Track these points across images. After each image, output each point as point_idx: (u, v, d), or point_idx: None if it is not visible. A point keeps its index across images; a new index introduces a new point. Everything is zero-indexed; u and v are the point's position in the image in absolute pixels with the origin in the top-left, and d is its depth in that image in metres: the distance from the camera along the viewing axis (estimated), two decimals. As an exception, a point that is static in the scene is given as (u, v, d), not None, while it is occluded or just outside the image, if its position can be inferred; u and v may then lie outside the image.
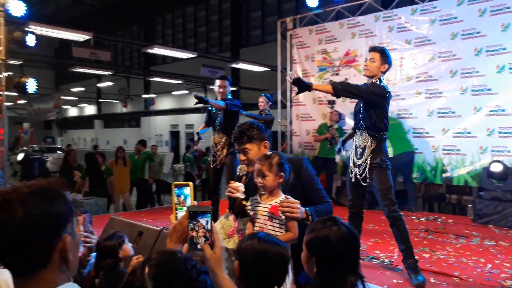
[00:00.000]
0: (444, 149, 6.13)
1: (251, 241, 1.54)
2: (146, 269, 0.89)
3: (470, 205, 5.78)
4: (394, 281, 3.38)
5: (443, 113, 6.17)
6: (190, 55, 12.20)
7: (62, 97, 20.38)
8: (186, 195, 1.48)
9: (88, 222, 2.25)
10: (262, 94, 7.25)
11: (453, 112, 6.06)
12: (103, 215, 5.86)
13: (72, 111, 31.31)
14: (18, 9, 5.32)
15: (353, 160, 3.65)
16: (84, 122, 30.21)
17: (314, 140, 7.55)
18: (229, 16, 18.38)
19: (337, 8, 7.70)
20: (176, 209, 1.47)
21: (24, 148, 18.75)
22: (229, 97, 5.23)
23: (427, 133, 6.31)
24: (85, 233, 2.24)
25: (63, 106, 22.37)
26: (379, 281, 3.38)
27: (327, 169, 7.42)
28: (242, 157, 2.47)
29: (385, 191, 3.49)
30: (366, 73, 3.63)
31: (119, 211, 7.74)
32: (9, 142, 25.34)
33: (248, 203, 2.41)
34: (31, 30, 6.34)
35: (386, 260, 3.90)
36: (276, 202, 2.24)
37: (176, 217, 1.44)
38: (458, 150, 5.97)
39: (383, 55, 3.59)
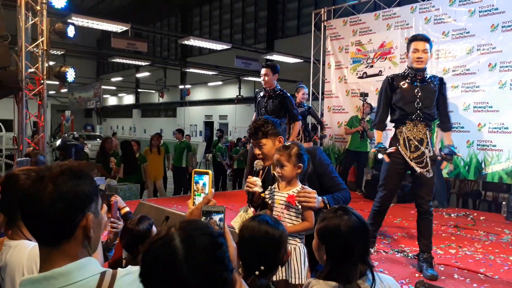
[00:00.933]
0: (479, 145, 5.94)
1: (251, 223, 1.62)
2: (172, 229, 0.98)
3: (504, 203, 5.60)
4: (416, 275, 3.36)
5: (480, 107, 5.97)
6: (225, 47, 12.31)
7: (102, 87, 21.07)
8: (204, 182, 1.55)
9: (116, 209, 2.37)
10: (304, 86, 7.19)
11: (490, 107, 5.85)
12: (136, 200, 6.08)
13: (112, 100, 32.30)
14: (59, 1, 5.56)
15: (405, 154, 3.47)
16: (122, 111, 31.13)
17: (345, 133, 7.50)
18: (265, 7, 18.36)
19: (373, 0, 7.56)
20: (195, 195, 1.54)
21: (63, 135, 19.55)
22: (278, 88, 5.03)
23: (462, 127, 6.13)
24: (112, 219, 2.37)
25: (103, 95, 23.12)
26: (401, 273, 3.37)
27: (357, 162, 7.37)
28: (258, 151, 2.53)
29: (433, 185, 3.48)
30: (421, 66, 3.43)
31: (152, 197, 8.00)
32: (52, 130, 26.44)
33: (266, 192, 2.48)
34: (72, 21, 6.60)
35: (410, 254, 3.86)
36: (293, 191, 2.29)
37: (194, 203, 1.51)
38: (494, 145, 5.77)
39: (430, 43, 3.46)
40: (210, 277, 0.92)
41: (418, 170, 3.42)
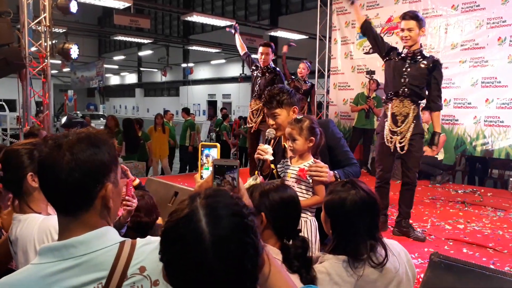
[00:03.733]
0: (486, 121, 5.89)
1: (274, 191, 1.61)
2: (198, 200, 0.90)
3: (511, 179, 5.58)
4: (425, 249, 3.37)
5: (488, 82, 5.90)
6: (228, 23, 12.12)
7: (104, 65, 20.92)
8: (214, 155, 1.51)
9: (130, 187, 2.36)
10: (304, 61, 7.07)
11: (499, 82, 5.78)
12: (142, 177, 6.09)
13: (114, 80, 32.14)
14: (61, -24, 5.45)
15: (390, 128, 3.63)
16: (125, 90, 31.01)
17: (351, 110, 7.44)
18: (269, -18, 18.02)
19: (380, -28, 7.38)
20: (202, 169, 1.51)
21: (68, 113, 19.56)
22: (272, 66, 5.20)
23: (469, 103, 6.07)
24: (127, 197, 2.37)
25: (105, 75, 22.98)
26: (410, 249, 3.36)
27: (364, 140, 7.32)
28: (271, 122, 2.48)
29: (419, 158, 3.67)
30: (407, 44, 3.55)
31: (158, 175, 8.02)
32: (55, 109, 26.39)
33: (279, 165, 2.46)
34: (74, -3, 6.47)
35: (418, 229, 3.87)
36: (304, 165, 2.27)
37: (202, 176, 1.48)
38: (502, 121, 5.72)
39: (419, 20, 3.53)
40: (240, 263, 0.85)
41: (398, 147, 3.60)
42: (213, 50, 17.76)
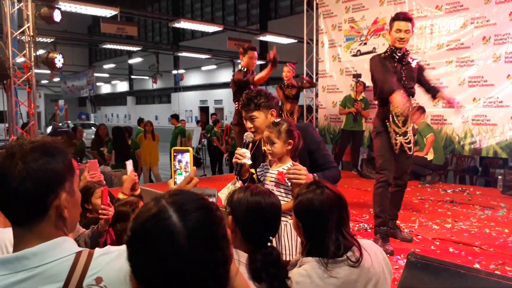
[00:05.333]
0: (473, 119, 5.92)
1: (243, 194, 1.55)
2: (163, 200, 0.89)
3: (499, 177, 5.59)
4: (412, 250, 3.34)
5: (475, 81, 5.93)
6: (217, 29, 12.14)
7: (94, 74, 20.85)
8: (186, 160, 1.49)
9: (106, 196, 2.35)
10: (287, 63, 6.97)
11: (485, 81, 5.81)
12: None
13: (105, 88, 32.04)
14: (43, -15, 5.42)
15: (394, 129, 3.55)
16: (116, 98, 30.91)
17: (339, 113, 7.45)
18: (257, -13, 18.08)
19: (365, -25, 7.42)
20: (176, 174, 1.49)
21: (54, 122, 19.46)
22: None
23: (457, 103, 6.08)
24: (102, 206, 2.35)
25: (96, 83, 22.91)
26: (397, 250, 3.36)
27: (353, 142, 7.33)
28: (249, 125, 2.46)
29: (411, 158, 3.69)
30: (402, 45, 3.50)
31: (148, 183, 7.97)
32: (46, 119, 26.22)
33: (258, 169, 2.44)
34: (58, 6, 6.45)
35: (406, 230, 3.86)
36: (283, 168, 2.25)
37: (175, 182, 1.45)
38: (488, 120, 5.74)
39: (413, 21, 3.51)
40: (213, 254, 0.86)
41: (406, 146, 3.57)
42: (204, 56, 17.76)
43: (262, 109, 2.43)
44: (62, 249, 1.02)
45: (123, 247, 1.08)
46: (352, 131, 7.11)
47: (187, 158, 1.48)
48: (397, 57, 3.53)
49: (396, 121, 3.55)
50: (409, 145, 3.57)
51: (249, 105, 2.43)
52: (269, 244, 1.54)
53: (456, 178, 6.89)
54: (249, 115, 2.44)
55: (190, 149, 1.50)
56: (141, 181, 8.10)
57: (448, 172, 6.98)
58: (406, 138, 3.55)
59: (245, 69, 5.05)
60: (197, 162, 11.16)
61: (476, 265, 3.02)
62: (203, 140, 12.15)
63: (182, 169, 1.48)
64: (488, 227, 3.94)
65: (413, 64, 3.57)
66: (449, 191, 5.59)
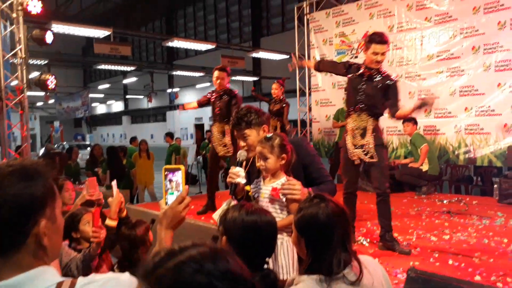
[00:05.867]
0: (466, 129, 5.93)
1: (238, 213, 1.50)
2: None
3: (495, 186, 5.58)
4: (411, 263, 3.31)
5: (466, 91, 5.96)
6: (210, 47, 12.23)
7: (90, 95, 20.87)
8: (178, 179, 1.46)
9: (98, 218, 2.31)
10: (275, 80, 7.13)
11: (476, 90, 5.84)
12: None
13: (101, 108, 32.06)
14: (35, 7, 5.42)
15: (352, 142, 3.75)
16: (112, 118, 30.91)
17: (333, 126, 7.45)
18: (249, 5, 18.29)
19: (354, -11, 7.52)
20: (167, 194, 1.45)
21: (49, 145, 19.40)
22: (228, 89, 5.17)
23: (449, 113, 6.11)
24: (94, 228, 2.29)
25: (91, 104, 22.92)
26: (395, 262, 3.31)
27: (348, 155, 7.30)
28: (242, 143, 2.44)
29: (385, 168, 3.74)
30: (377, 67, 3.67)
31: (144, 202, 7.89)
32: (42, 141, 26.08)
33: (252, 186, 2.40)
34: (51, 28, 6.48)
35: (404, 243, 3.82)
36: (277, 184, 2.22)
37: (166, 202, 1.42)
38: (482, 129, 5.75)
39: (389, 44, 3.71)
40: None
41: (365, 159, 3.71)
42: (198, 74, 17.85)
43: (254, 127, 2.41)
44: (42, 279, 0.95)
45: (109, 275, 1.04)
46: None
47: (178, 176, 1.45)
48: (360, 71, 3.72)
49: (354, 134, 3.73)
50: (367, 156, 3.68)
51: (240, 124, 2.41)
52: (265, 266, 1.50)
53: (451, 188, 6.87)
54: (241, 134, 2.42)
55: (182, 167, 1.47)
56: (134, 201, 8.02)
57: (443, 182, 6.96)
58: (363, 150, 3.69)
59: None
60: (193, 179, 11.10)
61: (477, 277, 2.97)
62: (198, 157, 12.12)
63: (173, 189, 1.45)
64: (487, 237, 3.90)
65: (377, 83, 3.66)
66: (445, 201, 5.56)
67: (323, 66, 4.19)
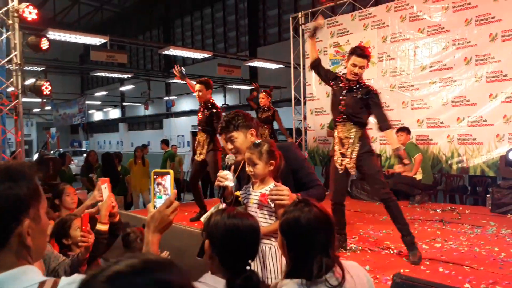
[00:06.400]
0: (459, 139, 5.98)
1: (220, 217, 1.52)
2: None
3: (488, 195, 5.61)
4: (401, 270, 3.32)
5: (458, 101, 6.03)
6: (207, 55, 12.30)
7: (86, 102, 20.87)
8: (166, 183, 1.47)
9: (86, 223, 2.31)
10: (261, 90, 7.36)
11: (468, 100, 5.91)
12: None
13: (98, 115, 32.02)
14: (31, 14, 5.46)
15: (339, 151, 3.82)
16: (109, 125, 30.86)
17: (327, 135, 7.49)
18: (246, 16, 18.42)
19: (349, 1, 7.61)
20: (155, 197, 1.47)
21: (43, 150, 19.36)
22: (210, 102, 5.16)
23: (441, 123, 6.17)
24: (82, 233, 2.30)
25: (88, 111, 22.91)
26: (387, 270, 3.32)
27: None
28: (230, 146, 2.46)
29: (376, 175, 3.73)
30: (355, 79, 3.74)
31: (139, 208, 7.88)
32: (38, 147, 26.00)
33: (241, 192, 2.42)
34: (48, 35, 6.52)
35: (395, 250, 3.83)
36: (266, 190, 2.24)
37: (155, 206, 1.43)
38: (474, 139, 5.81)
39: (369, 58, 3.79)
40: None
41: (350, 168, 3.77)
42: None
43: (241, 129, 2.43)
44: (24, 279, 0.96)
45: None
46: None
47: (167, 180, 1.47)
48: (343, 83, 3.82)
49: (342, 143, 3.80)
50: (350, 166, 3.76)
51: (228, 127, 2.44)
52: (248, 268, 1.51)
53: (446, 198, 6.90)
54: (228, 136, 2.44)
55: (171, 171, 1.49)
56: (133, 208, 8.01)
57: (438, 192, 6.99)
58: (349, 159, 3.76)
59: None
60: (188, 186, 11.08)
61: (467, 285, 2.99)
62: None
63: (162, 192, 1.46)
64: (478, 246, 3.92)
65: (356, 94, 3.73)
66: (438, 210, 5.59)
67: (320, 65, 4.10)
